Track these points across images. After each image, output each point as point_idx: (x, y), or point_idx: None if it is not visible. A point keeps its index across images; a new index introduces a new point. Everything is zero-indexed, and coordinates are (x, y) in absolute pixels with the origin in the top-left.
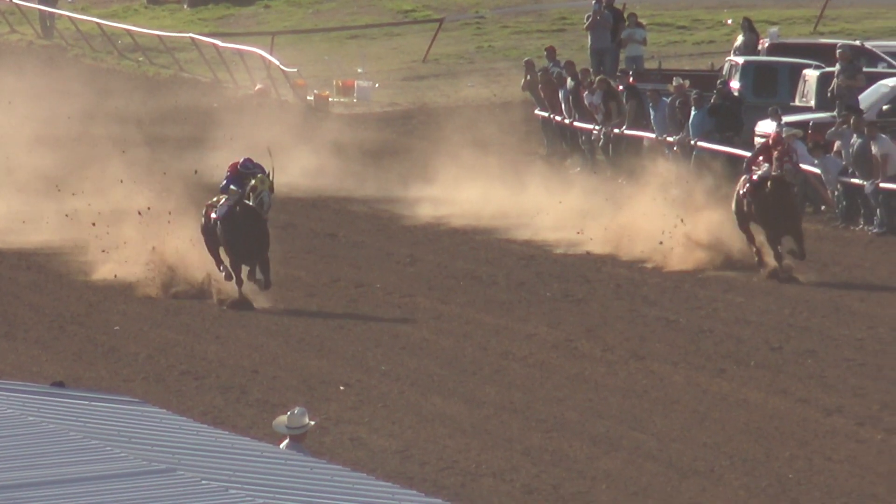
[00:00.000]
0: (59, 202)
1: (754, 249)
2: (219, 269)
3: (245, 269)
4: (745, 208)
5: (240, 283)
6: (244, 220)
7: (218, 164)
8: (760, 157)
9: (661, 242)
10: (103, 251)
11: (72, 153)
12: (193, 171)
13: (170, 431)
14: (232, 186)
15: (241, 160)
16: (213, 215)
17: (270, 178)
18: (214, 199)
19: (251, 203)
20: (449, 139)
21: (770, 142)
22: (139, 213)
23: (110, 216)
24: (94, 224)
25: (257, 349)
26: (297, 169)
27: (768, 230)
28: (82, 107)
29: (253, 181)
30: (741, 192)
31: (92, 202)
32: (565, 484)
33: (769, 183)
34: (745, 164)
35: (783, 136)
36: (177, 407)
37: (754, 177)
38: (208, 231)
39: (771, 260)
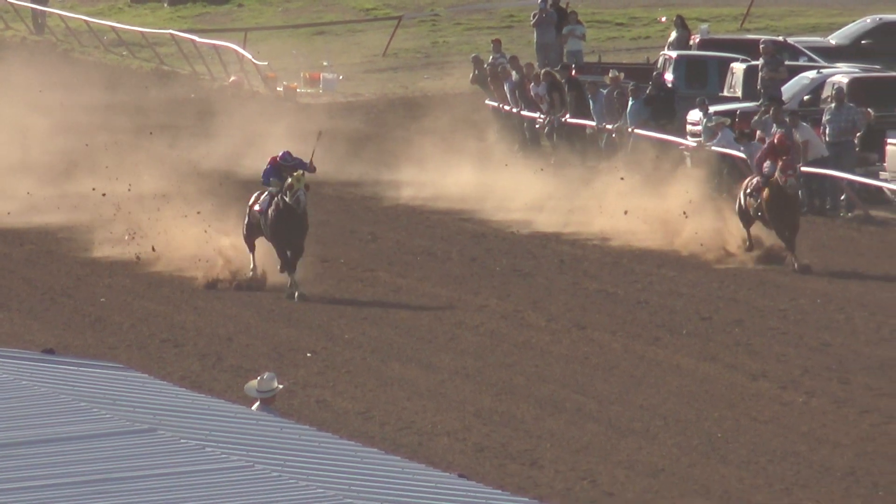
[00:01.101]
0: (72, 185)
1: (747, 236)
2: (250, 256)
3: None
4: (744, 206)
5: (287, 268)
6: (285, 214)
7: (207, 152)
8: (767, 161)
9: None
10: (129, 236)
11: (73, 140)
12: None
13: (151, 394)
14: (272, 178)
15: (281, 153)
16: (257, 208)
17: (311, 162)
18: (254, 196)
19: (288, 201)
20: (407, 127)
21: (777, 144)
22: (198, 212)
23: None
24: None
25: (232, 319)
26: (268, 153)
27: (774, 227)
28: (78, 98)
29: (290, 179)
30: (744, 192)
31: (100, 185)
32: (513, 442)
33: (770, 190)
34: (754, 165)
35: (786, 141)
36: (158, 372)
37: (760, 178)
38: (251, 224)
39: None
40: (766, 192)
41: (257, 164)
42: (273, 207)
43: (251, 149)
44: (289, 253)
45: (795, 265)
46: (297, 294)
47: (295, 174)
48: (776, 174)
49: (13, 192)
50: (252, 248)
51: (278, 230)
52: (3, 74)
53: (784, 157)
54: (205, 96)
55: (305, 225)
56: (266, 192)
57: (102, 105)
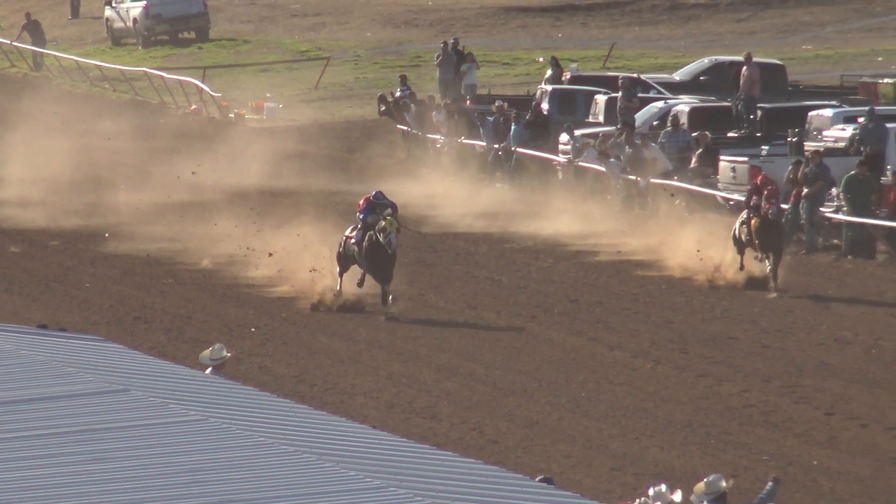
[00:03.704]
0: (85, 195)
1: (740, 260)
2: (339, 278)
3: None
4: (741, 235)
5: (385, 298)
6: (378, 249)
7: (184, 169)
8: (753, 197)
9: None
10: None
11: (78, 158)
12: (191, 172)
13: (125, 362)
14: (369, 216)
15: (374, 193)
16: (353, 241)
17: (398, 221)
18: (350, 229)
19: (381, 241)
20: (332, 146)
21: (759, 182)
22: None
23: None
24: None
25: (191, 301)
26: (223, 166)
27: (761, 251)
28: (66, 122)
29: (383, 222)
30: (740, 222)
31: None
32: (417, 400)
33: (758, 220)
34: (744, 201)
35: (766, 179)
36: (131, 343)
37: (750, 211)
38: (345, 253)
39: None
40: (754, 222)
41: (213, 176)
42: (367, 241)
43: (210, 164)
44: (381, 281)
45: (774, 291)
46: (387, 314)
47: (388, 218)
48: (763, 204)
49: (33, 199)
50: (342, 273)
51: (371, 262)
52: (6, 105)
53: (768, 189)
54: (171, 122)
55: (394, 260)
56: (360, 226)
57: (95, 129)
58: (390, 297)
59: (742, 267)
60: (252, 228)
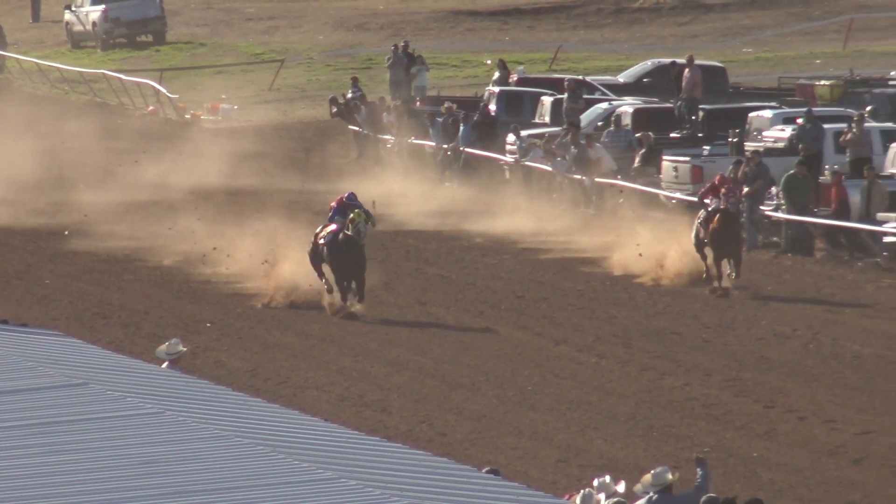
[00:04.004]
0: (48, 194)
1: (705, 268)
2: (320, 280)
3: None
4: (700, 235)
5: (344, 297)
6: (345, 245)
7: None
8: (710, 195)
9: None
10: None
11: (41, 158)
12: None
13: (84, 356)
14: (337, 217)
15: (347, 194)
16: (321, 241)
17: (369, 213)
18: (320, 228)
19: (350, 233)
20: (286, 146)
21: (717, 181)
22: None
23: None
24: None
25: (148, 297)
26: (180, 164)
27: (714, 253)
28: (29, 123)
29: (352, 214)
30: (697, 222)
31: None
32: (368, 394)
33: (718, 215)
34: (698, 198)
35: (725, 174)
36: (90, 338)
37: (708, 209)
38: (315, 253)
39: (715, 277)
40: (715, 219)
41: (170, 175)
42: (334, 240)
43: (197, 162)
44: (352, 283)
45: (719, 288)
46: (352, 312)
47: (356, 211)
48: (721, 202)
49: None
50: (321, 274)
51: (338, 260)
52: None
53: (725, 187)
54: (129, 122)
55: (363, 257)
56: (331, 227)
57: (57, 130)
58: (357, 297)
59: (707, 270)
60: (213, 227)
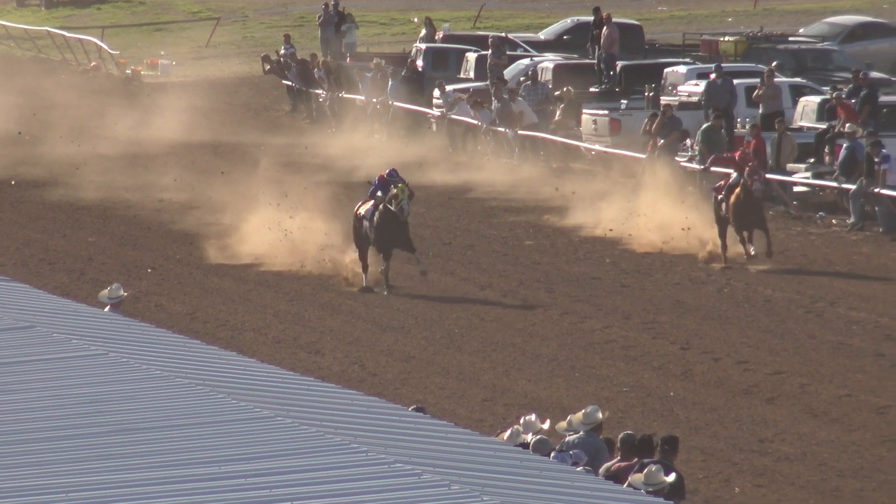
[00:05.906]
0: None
1: (720, 243)
2: (359, 258)
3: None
4: (721, 209)
5: (366, 270)
6: (386, 220)
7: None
8: (733, 167)
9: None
10: None
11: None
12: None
13: (31, 300)
14: (379, 193)
15: (388, 171)
16: (362, 212)
17: (409, 189)
18: (359, 203)
19: (393, 209)
20: (223, 100)
21: (737, 157)
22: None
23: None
24: None
25: (92, 244)
26: (122, 120)
27: (736, 225)
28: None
29: (395, 190)
30: (719, 196)
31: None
32: (302, 336)
33: (739, 189)
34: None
35: (747, 154)
36: (36, 283)
37: (729, 182)
38: (357, 228)
39: (734, 252)
40: (736, 191)
41: (114, 130)
42: (377, 215)
43: (106, 119)
44: (404, 249)
45: (752, 252)
46: (421, 271)
47: (399, 185)
48: (745, 177)
49: None
50: (363, 257)
51: (386, 232)
52: None
53: (749, 166)
54: (72, 78)
55: (408, 234)
56: (371, 202)
57: (3, 85)
58: (418, 259)
59: (725, 248)
60: (167, 179)
